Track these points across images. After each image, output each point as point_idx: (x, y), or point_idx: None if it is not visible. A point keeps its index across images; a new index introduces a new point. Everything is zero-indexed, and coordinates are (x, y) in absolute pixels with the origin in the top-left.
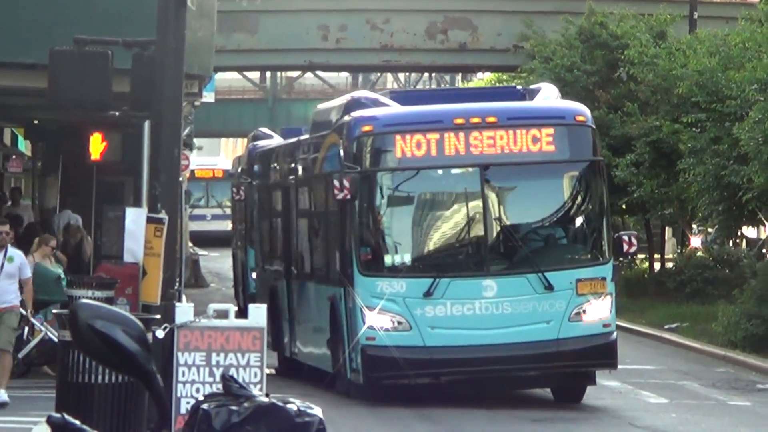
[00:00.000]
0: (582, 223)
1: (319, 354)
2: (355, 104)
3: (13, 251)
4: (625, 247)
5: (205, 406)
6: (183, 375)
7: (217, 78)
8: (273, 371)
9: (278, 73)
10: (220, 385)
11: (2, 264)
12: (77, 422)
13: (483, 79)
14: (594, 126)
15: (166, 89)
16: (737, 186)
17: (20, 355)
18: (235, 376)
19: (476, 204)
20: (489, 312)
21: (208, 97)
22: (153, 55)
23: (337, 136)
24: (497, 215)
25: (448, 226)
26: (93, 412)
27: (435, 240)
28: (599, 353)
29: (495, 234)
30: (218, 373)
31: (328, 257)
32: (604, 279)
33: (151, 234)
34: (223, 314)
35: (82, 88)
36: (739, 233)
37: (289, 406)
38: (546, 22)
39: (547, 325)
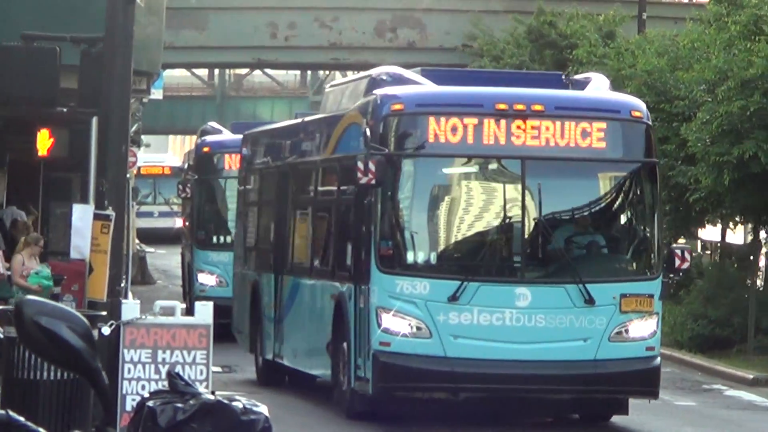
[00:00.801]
0: (630, 232)
1: (315, 359)
2: (381, 80)
3: None
4: (677, 262)
5: (150, 403)
6: (129, 372)
7: (165, 75)
8: (254, 376)
9: (227, 71)
10: (166, 383)
11: None
12: (21, 419)
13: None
14: (651, 123)
15: (114, 86)
16: (684, 186)
17: None
18: (181, 373)
19: (514, 201)
20: (521, 324)
21: (157, 93)
22: (101, 51)
23: (359, 115)
24: (537, 215)
25: (481, 223)
26: (38, 409)
27: (465, 238)
28: (640, 380)
29: (533, 236)
30: (164, 370)
31: (335, 251)
32: (651, 296)
33: (98, 231)
34: (169, 312)
35: (30, 84)
36: (691, 234)
37: (234, 404)
38: (495, 21)
39: (584, 344)
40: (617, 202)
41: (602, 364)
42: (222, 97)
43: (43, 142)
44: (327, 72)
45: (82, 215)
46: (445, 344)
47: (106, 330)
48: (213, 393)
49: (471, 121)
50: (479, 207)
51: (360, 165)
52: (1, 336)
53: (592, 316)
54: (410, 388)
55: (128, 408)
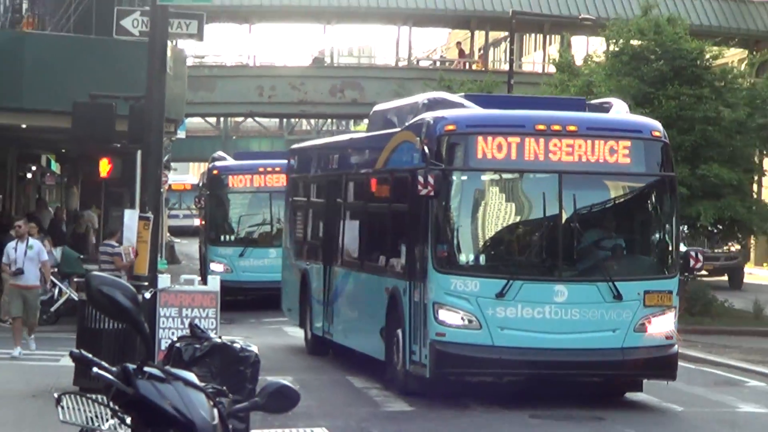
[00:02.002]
0: (652, 237)
1: (366, 340)
2: (433, 104)
3: (33, 241)
4: (692, 262)
5: (177, 344)
6: (162, 324)
7: (186, 121)
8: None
9: (229, 119)
10: (188, 331)
11: (25, 251)
12: (90, 355)
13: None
14: (668, 141)
15: (152, 129)
16: None
17: (52, 309)
18: (198, 324)
19: (552, 210)
20: (558, 317)
21: (181, 134)
22: (143, 105)
23: (411, 134)
24: (572, 222)
25: (523, 229)
26: (101, 349)
27: (510, 242)
28: (661, 365)
29: (568, 240)
30: (187, 322)
31: (388, 251)
32: (670, 292)
33: (142, 227)
34: (190, 282)
35: (95, 128)
36: None
37: (234, 344)
38: (413, 85)
39: (613, 334)
40: (640, 210)
41: (628, 351)
42: (225, 136)
43: (104, 167)
44: (297, 120)
45: (131, 217)
46: (493, 335)
47: (147, 295)
48: (220, 337)
49: (514, 140)
50: (521, 215)
51: (420, 178)
52: (77, 299)
53: (620, 309)
54: (462, 373)
55: (162, 348)
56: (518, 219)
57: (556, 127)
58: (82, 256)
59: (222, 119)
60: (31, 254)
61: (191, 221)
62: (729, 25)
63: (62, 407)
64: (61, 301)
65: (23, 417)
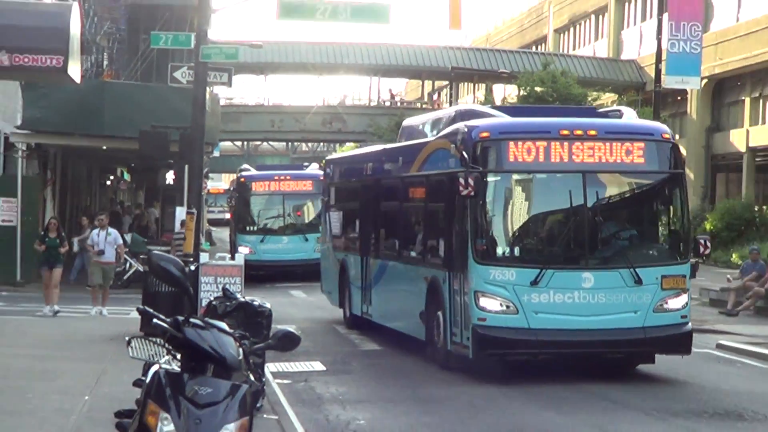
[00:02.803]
0: (667, 227)
1: (407, 322)
2: (463, 115)
3: (111, 230)
4: (701, 249)
5: (213, 302)
6: (203, 288)
7: (220, 144)
8: (343, 322)
9: (250, 143)
10: (220, 293)
11: (105, 237)
12: (151, 310)
13: (349, 145)
14: (676, 142)
15: (196, 150)
16: None
17: (124, 278)
18: (228, 288)
19: (578, 206)
20: (586, 301)
21: (216, 153)
22: (190, 133)
23: (446, 142)
24: (595, 216)
25: (552, 223)
26: (159, 306)
27: (541, 235)
28: (677, 341)
29: (593, 232)
30: (220, 287)
31: (426, 244)
32: (684, 276)
33: (189, 219)
34: (222, 258)
35: (155, 149)
36: None
37: (254, 302)
38: (380, 120)
39: (634, 315)
40: (655, 204)
41: (648, 330)
42: (247, 155)
43: (162, 176)
44: (298, 143)
45: (180, 212)
46: (528, 318)
47: (192, 267)
48: (244, 298)
49: (541, 144)
50: (550, 211)
51: (461, 180)
52: (142, 270)
53: (640, 293)
54: (502, 354)
55: (203, 305)
56: (547, 214)
57: (579, 132)
58: (146, 240)
59: (245, 143)
60: (110, 239)
61: (224, 215)
62: (605, 76)
63: (131, 347)
64: (130, 272)
65: (104, 354)
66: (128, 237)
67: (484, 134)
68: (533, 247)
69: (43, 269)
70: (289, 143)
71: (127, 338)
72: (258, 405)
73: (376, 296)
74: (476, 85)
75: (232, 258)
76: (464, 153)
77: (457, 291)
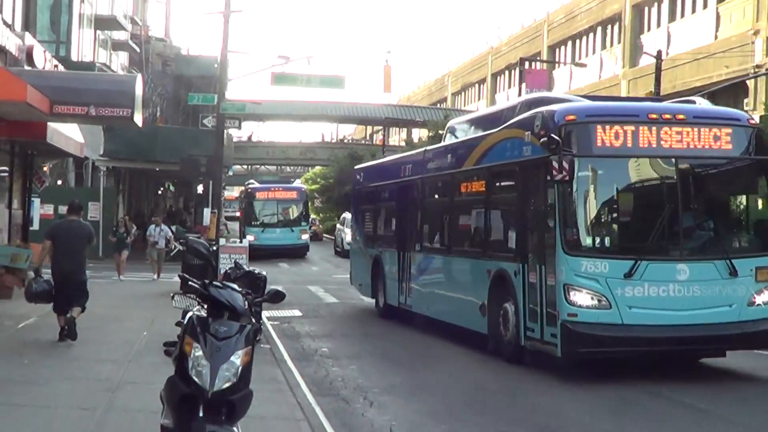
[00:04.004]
0: (759, 216)
1: (461, 314)
2: (536, 102)
3: (163, 226)
4: None
5: (228, 271)
6: (221, 261)
7: (233, 167)
8: (376, 311)
9: (252, 165)
10: (233, 265)
11: (159, 231)
12: (188, 276)
13: (318, 168)
14: (762, 128)
15: (216, 171)
16: None
17: (171, 254)
18: (239, 261)
19: (671, 193)
20: (681, 294)
21: (231, 173)
22: (213, 160)
23: (518, 130)
24: (688, 205)
25: (645, 211)
26: (193, 273)
27: (633, 224)
28: None
29: (688, 222)
30: (233, 261)
31: (488, 237)
32: None
33: (212, 217)
34: (234, 243)
35: (191, 170)
36: None
37: (255, 271)
38: (339, 153)
39: (729, 309)
40: (746, 191)
41: (744, 324)
42: (251, 174)
43: (195, 188)
44: (284, 166)
45: (207, 212)
46: (622, 313)
47: (213, 248)
48: (248, 268)
49: (629, 128)
50: (642, 198)
51: (555, 164)
52: (182, 249)
53: (736, 285)
54: (593, 352)
55: (221, 273)
56: (639, 202)
57: (667, 116)
58: (185, 230)
59: (249, 166)
60: (162, 234)
61: (236, 214)
62: None
63: (174, 300)
64: (175, 251)
65: (156, 305)
66: (174, 228)
67: (571, 117)
68: (626, 236)
69: (115, 253)
70: (278, 166)
71: (171, 294)
72: (257, 338)
73: (418, 288)
74: (400, 129)
75: (241, 242)
76: (547, 138)
77: (534, 284)
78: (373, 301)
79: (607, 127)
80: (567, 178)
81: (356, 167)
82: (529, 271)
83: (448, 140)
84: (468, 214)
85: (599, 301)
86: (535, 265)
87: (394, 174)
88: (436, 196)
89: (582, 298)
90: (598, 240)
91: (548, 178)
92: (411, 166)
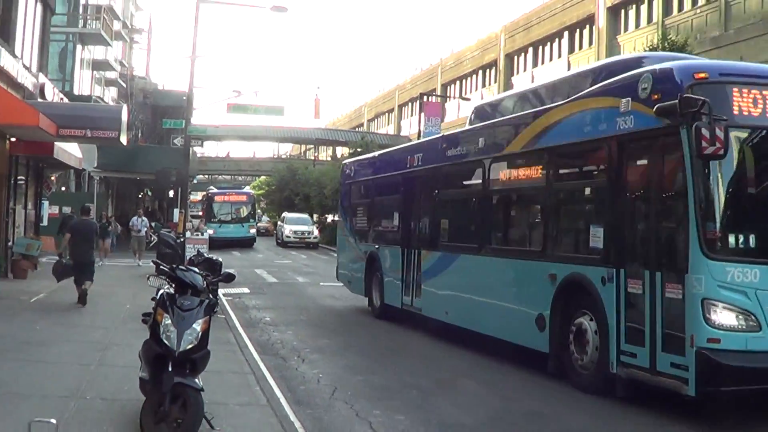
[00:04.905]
0: None
1: (507, 326)
2: (650, 60)
3: (144, 218)
4: None
5: (192, 258)
6: (188, 251)
7: (197, 177)
8: (369, 309)
9: (212, 175)
10: (196, 253)
11: (141, 222)
12: (160, 262)
13: (263, 179)
14: None
15: (184, 180)
16: None
17: (151, 245)
18: (200, 250)
19: None
20: None
21: (195, 181)
22: (181, 171)
23: (605, 98)
24: None
25: None
26: (165, 260)
27: None
28: None
29: None
30: (195, 250)
31: (553, 234)
32: None
33: (180, 215)
34: (197, 235)
35: (164, 180)
36: None
37: (213, 257)
38: (281, 166)
39: None
40: None
41: None
42: (211, 182)
43: (168, 193)
44: (236, 176)
45: (176, 212)
46: None
47: (181, 239)
48: (208, 255)
49: None
50: None
51: (705, 133)
52: (155, 239)
53: None
54: (739, 390)
55: (186, 259)
56: None
57: None
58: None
59: (209, 175)
60: (143, 224)
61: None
62: (392, 143)
63: (149, 280)
64: (153, 242)
65: (138, 284)
66: (153, 224)
67: (701, 75)
68: None
69: (100, 240)
70: (232, 176)
71: (147, 276)
72: (215, 310)
73: (432, 290)
74: (327, 147)
75: (202, 235)
76: (670, 103)
77: (638, 296)
78: (366, 300)
79: (745, 90)
80: (722, 152)
81: (346, 161)
82: (628, 277)
83: (474, 124)
84: (513, 205)
85: (748, 321)
86: (641, 271)
87: (395, 165)
88: (460, 187)
89: (727, 317)
90: (744, 239)
91: (673, 154)
92: (421, 155)
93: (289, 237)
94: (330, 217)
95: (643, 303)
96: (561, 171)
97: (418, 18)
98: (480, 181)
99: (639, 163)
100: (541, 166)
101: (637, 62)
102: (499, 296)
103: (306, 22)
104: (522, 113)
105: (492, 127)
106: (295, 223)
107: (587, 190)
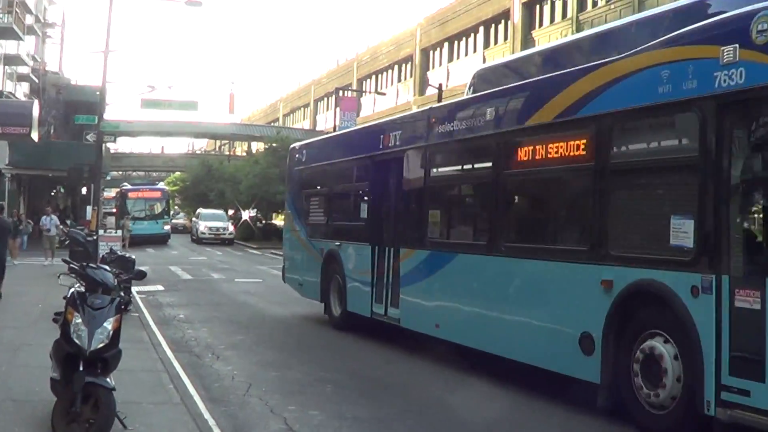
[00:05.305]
0: None
1: (530, 346)
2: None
3: (53, 217)
4: None
5: (105, 255)
6: (100, 248)
7: (110, 173)
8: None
9: (126, 171)
10: (109, 250)
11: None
12: (71, 260)
13: (178, 174)
14: None
15: (97, 176)
16: None
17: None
18: (113, 248)
19: None
20: None
21: (108, 177)
22: (93, 167)
23: (698, 47)
24: None
25: None
26: (76, 258)
27: None
28: None
29: None
30: (108, 247)
31: (605, 227)
32: None
33: (93, 213)
34: (111, 232)
35: (76, 177)
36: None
37: (126, 255)
38: (195, 162)
39: None
40: None
41: None
42: (125, 177)
43: (80, 190)
44: (149, 172)
45: (89, 209)
46: None
47: (92, 237)
48: (121, 252)
49: None
50: None
51: None
52: (65, 239)
53: None
54: None
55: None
56: None
57: None
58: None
59: (123, 172)
60: (52, 222)
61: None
62: (307, 138)
63: (60, 279)
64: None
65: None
66: (69, 222)
67: None
68: None
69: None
70: (146, 172)
71: (58, 275)
72: (128, 308)
73: (417, 298)
74: (242, 143)
75: (116, 232)
76: None
77: (753, 312)
78: (322, 305)
79: None
80: None
81: (296, 144)
82: (736, 288)
83: (474, 93)
84: (542, 191)
85: None
86: (762, 279)
87: (364, 147)
88: (459, 171)
89: None
90: None
91: None
92: (400, 133)
93: (204, 233)
94: (247, 213)
95: (763, 322)
96: (619, 144)
97: (334, 13)
98: (490, 162)
99: (753, 129)
100: (586, 140)
101: (703, 5)
102: (521, 308)
103: (221, 16)
104: (556, 73)
105: (509, 93)
106: (210, 220)
107: (663, 168)
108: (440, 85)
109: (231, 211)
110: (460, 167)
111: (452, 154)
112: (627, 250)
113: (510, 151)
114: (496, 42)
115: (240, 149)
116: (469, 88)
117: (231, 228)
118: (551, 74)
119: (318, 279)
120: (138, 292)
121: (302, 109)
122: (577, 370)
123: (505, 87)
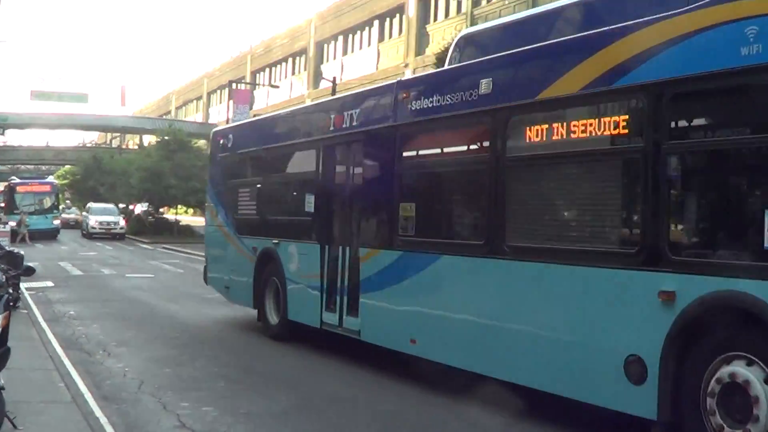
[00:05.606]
0: None
1: (562, 373)
2: None
3: None
4: None
5: None
6: None
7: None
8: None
9: (16, 165)
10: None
11: None
12: None
13: (68, 168)
14: None
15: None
16: None
17: None
18: (1, 243)
19: None
20: None
21: None
22: None
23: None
24: None
25: None
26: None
27: None
28: None
29: None
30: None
31: (665, 223)
32: None
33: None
34: (2, 228)
35: None
36: None
37: (15, 251)
38: (85, 153)
39: None
40: None
41: None
42: (14, 171)
43: None
44: (39, 166)
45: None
46: None
47: None
48: (9, 248)
49: None
50: None
51: None
52: None
53: None
54: None
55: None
56: None
57: None
58: None
59: (11, 165)
60: None
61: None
62: (199, 131)
63: None
64: None
65: None
66: None
67: None
68: None
69: None
70: (35, 166)
71: None
72: (17, 305)
73: (385, 306)
74: (134, 136)
75: (27, 227)
76: None
77: None
78: (255, 312)
79: None
80: None
81: (220, 128)
82: None
83: (464, 61)
84: (562, 178)
85: None
86: None
87: (310, 129)
88: (441, 155)
89: None
90: None
91: None
92: (357, 112)
93: (95, 228)
94: (139, 207)
95: None
96: (678, 119)
97: (229, 5)
98: (488, 143)
99: None
100: (627, 115)
101: None
102: (536, 322)
103: (113, 7)
104: (583, 34)
105: (515, 60)
106: (101, 214)
107: (746, 150)
108: (334, 78)
109: (122, 205)
110: (441, 150)
111: (433, 134)
112: (695, 254)
113: (516, 129)
114: (390, 36)
115: (132, 143)
116: (454, 56)
117: (122, 222)
118: (575, 35)
119: (250, 281)
120: (27, 289)
121: (195, 101)
122: (621, 402)
123: (511, 52)
